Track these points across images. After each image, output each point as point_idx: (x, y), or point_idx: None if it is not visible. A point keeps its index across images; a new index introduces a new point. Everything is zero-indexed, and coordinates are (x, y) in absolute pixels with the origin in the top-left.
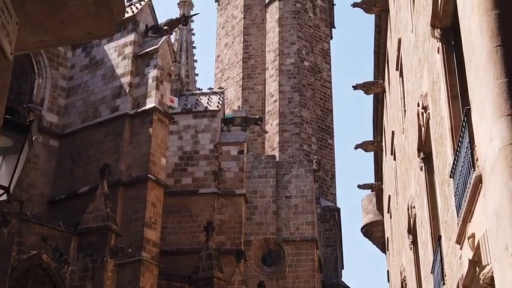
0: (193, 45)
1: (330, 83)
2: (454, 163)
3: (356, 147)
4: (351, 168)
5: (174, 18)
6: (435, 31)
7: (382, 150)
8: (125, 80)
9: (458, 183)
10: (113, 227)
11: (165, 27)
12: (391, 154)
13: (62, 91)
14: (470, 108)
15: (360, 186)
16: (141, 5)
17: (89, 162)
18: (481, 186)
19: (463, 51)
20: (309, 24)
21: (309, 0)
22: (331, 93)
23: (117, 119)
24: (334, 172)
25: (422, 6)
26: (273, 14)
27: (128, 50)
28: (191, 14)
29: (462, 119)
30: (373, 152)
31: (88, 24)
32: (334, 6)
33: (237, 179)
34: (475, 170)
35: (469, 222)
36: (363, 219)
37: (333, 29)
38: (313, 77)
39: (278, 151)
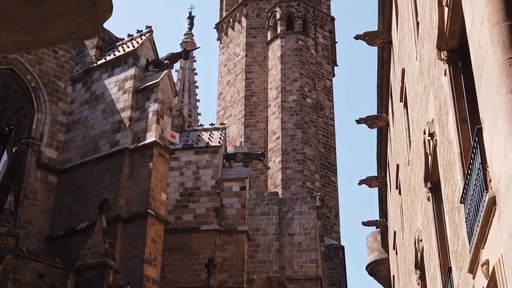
0: (196, 84)
1: (333, 120)
2: (464, 187)
3: (360, 183)
4: (355, 205)
5: (175, 52)
6: (441, 53)
7: (387, 186)
8: (125, 114)
9: (469, 209)
10: (111, 263)
11: (166, 62)
12: (396, 188)
13: (61, 126)
14: (481, 127)
15: (364, 224)
16: (142, 39)
17: (88, 198)
18: (495, 208)
19: (473, 68)
20: (311, 62)
21: (311, 38)
22: (334, 130)
23: (117, 153)
24: (338, 210)
25: (427, 31)
26: (275, 51)
27: (129, 85)
28: (193, 48)
29: (473, 139)
30: (377, 188)
31: (71, 23)
32: (336, 44)
33: (239, 216)
34: (488, 192)
35: (483, 248)
36: (367, 257)
37: (335, 67)
38: (316, 114)
39: (281, 188)
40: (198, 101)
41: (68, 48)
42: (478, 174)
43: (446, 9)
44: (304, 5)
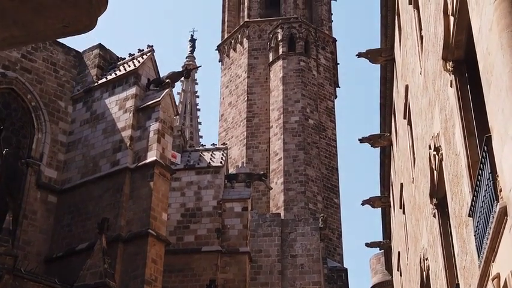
0: (198, 107)
1: (335, 141)
2: (473, 200)
3: (363, 203)
4: (358, 226)
5: (176, 71)
6: (447, 64)
7: (390, 206)
8: (126, 133)
9: (478, 221)
10: (111, 283)
11: (167, 80)
12: (400, 208)
13: (61, 146)
14: (490, 136)
15: (367, 245)
16: (143, 58)
17: (87, 218)
18: (507, 219)
19: (481, 76)
20: (313, 83)
21: (313, 59)
22: (336, 151)
23: (117, 173)
24: (341, 231)
25: (432, 43)
26: (276, 72)
27: (129, 104)
28: (194, 67)
29: (481, 148)
30: (380, 209)
31: (64, 16)
32: (338, 65)
33: (241, 237)
34: (498, 202)
35: (493, 261)
36: (371, 279)
37: (337, 89)
38: (318, 135)
39: (283, 210)
40: (200, 123)
41: (68, 68)
42: (487, 184)
43: (452, 18)
44: (306, 27)
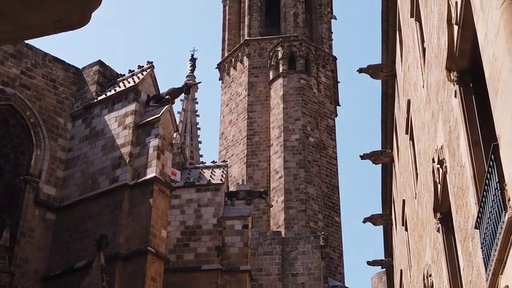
0: (198, 126)
1: (336, 159)
2: (479, 211)
3: (364, 221)
4: (359, 244)
5: (176, 87)
6: (451, 74)
7: (392, 224)
8: (125, 150)
9: (485, 233)
10: None
11: (167, 97)
12: (402, 225)
13: (60, 163)
14: (497, 144)
15: (369, 263)
16: (143, 74)
17: (86, 236)
18: None
19: (487, 84)
20: (314, 101)
21: (313, 77)
22: (337, 170)
23: (117, 190)
24: (342, 250)
25: (435, 55)
26: (277, 90)
27: (129, 120)
28: (194, 83)
29: (489, 157)
30: (382, 226)
31: (57, 10)
32: (338, 83)
33: (242, 255)
34: (507, 212)
35: (501, 274)
36: None
37: (337, 107)
38: (319, 153)
39: (284, 228)
40: (200, 142)
41: (68, 84)
42: (495, 194)
43: (456, 27)
44: (306, 45)
